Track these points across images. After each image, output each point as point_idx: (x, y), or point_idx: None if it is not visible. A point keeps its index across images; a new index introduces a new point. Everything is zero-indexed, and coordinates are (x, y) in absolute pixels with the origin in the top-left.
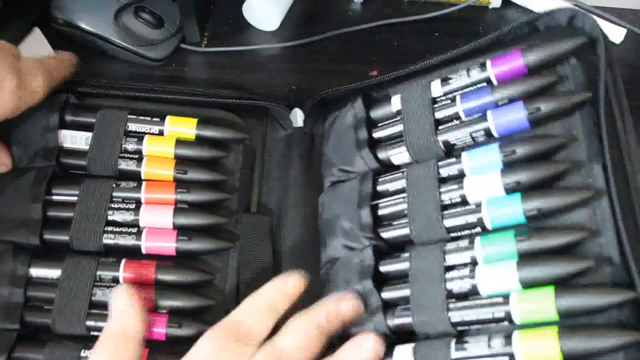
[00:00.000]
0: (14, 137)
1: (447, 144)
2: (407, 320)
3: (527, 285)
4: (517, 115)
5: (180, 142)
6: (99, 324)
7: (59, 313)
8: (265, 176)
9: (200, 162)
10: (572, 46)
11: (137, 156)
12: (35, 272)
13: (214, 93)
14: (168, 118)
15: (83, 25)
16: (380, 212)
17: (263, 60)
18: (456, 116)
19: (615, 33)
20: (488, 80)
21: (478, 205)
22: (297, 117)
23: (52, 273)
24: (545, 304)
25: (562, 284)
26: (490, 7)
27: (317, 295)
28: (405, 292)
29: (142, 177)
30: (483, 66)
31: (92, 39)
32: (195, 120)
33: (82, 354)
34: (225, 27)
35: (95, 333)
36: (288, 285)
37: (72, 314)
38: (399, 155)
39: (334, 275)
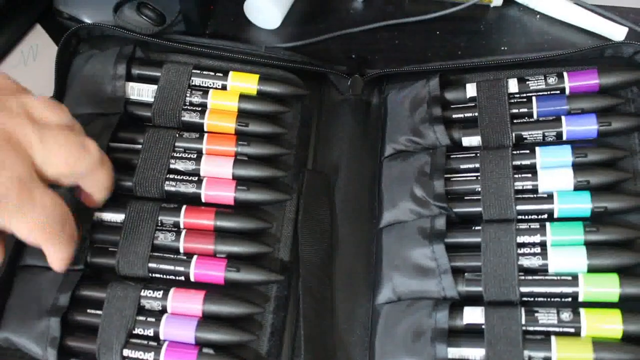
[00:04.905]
0: (83, 85)
1: (519, 137)
2: (477, 288)
3: (593, 270)
4: (589, 126)
5: (243, 97)
6: (161, 266)
7: (123, 255)
8: (321, 138)
9: (261, 116)
10: None
11: (200, 109)
12: (99, 215)
13: (275, 56)
14: (231, 73)
15: (86, 20)
16: (451, 186)
17: None
18: (528, 114)
19: (617, 32)
20: (561, 89)
21: (549, 196)
22: (356, 84)
23: (116, 217)
24: (610, 288)
25: (624, 272)
26: (492, 5)
27: (371, 253)
28: (474, 261)
29: (205, 129)
30: (560, 76)
31: None
32: (257, 76)
33: (142, 293)
34: (226, 25)
35: (156, 275)
36: None
37: (135, 256)
38: (470, 138)
39: (396, 236)
